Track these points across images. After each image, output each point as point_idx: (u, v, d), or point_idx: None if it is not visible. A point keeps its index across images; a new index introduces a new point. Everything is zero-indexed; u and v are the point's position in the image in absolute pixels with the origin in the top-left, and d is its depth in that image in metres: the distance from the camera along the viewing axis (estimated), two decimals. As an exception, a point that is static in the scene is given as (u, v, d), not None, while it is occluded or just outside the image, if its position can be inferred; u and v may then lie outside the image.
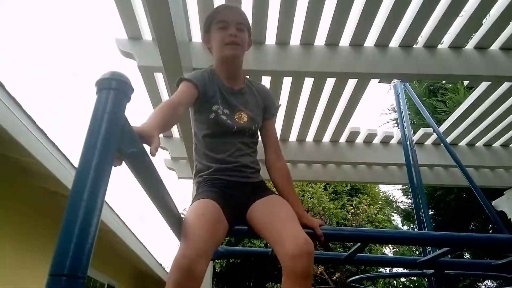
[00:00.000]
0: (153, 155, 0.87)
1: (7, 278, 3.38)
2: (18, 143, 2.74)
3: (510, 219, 3.95)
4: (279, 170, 1.49)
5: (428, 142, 3.62)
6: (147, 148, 0.88)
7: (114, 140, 0.67)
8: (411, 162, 2.89)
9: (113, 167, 0.66)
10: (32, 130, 2.89)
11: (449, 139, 3.51)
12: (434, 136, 3.52)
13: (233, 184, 1.37)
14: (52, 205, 4.03)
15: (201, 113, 1.41)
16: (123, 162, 0.77)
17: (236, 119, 1.42)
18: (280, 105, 1.70)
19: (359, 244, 1.58)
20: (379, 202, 11.15)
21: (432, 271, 2.15)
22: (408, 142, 2.95)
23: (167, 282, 1.06)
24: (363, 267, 8.79)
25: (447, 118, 3.48)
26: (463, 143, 3.58)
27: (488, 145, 3.58)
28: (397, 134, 3.57)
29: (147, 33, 2.30)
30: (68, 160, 3.50)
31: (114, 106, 0.68)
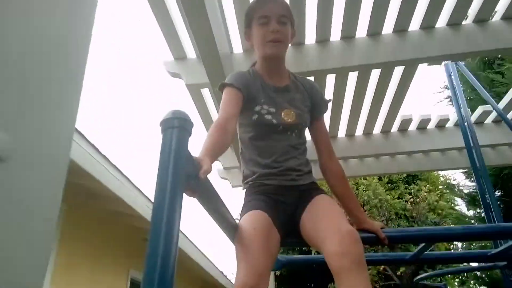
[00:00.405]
0: (201, 178, 0.85)
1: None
2: (85, 171, 2.95)
3: None
4: (334, 173, 1.43)
5: (488, 120, 3.42)
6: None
7: (182, 174, 0.73)
8: (471, 144, 2.75)
9: (186, 197, 0.72)
10: (96, 157, 3.10)
11: (510, 114, 3.29)
12: (494, 113, 3.31)
13: (280, 188, 1.32)
14: (119, 223, 4.28)
15: (243, 115, 1.36)
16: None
17: (283, 117, 1.35)
18: (330, 100, 1.57)
19: (423, 244, 1.54)
20: (440, 188, 10.63)
21: (505, 263, 2.03)
22: (466, 123, 2.81)
23: None
24: (430, 257, 8.40)
25: (507, 90, 3.26)
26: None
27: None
28: (453, 116, 3.40)
29: (190, 52, 2.39)
30: (129, 180, 3.70)
31: (178, 143, 0.74)
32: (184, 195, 0.76)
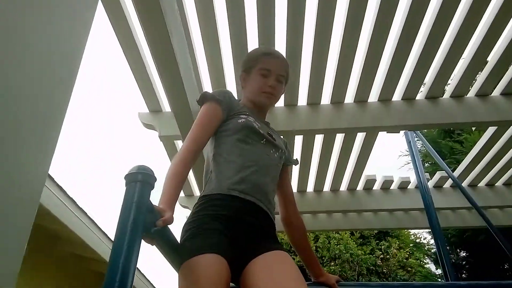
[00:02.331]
0: (159, 226, 0.88)
1: None
2: (50, 213, 2.93)
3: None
4: (299, 228, 1.44)
5: (447, 185, 3.62)
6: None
7: (141, 225, 0.79)
8: (429, 206, 2.90)
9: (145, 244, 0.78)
10: (62, 198, 3.09)
11: (467, 180, 3.51)
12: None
13: (249, 205, 1.20)
14: (81, 267, 4.15)
15: (227, 123, 1.33)
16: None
17: (266, 133, 1.36)
18: (297, 161, 1.60)
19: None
20: (410, 245, 10.75)
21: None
22: (424, 187, 2.98)
23: None
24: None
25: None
26: (482, 183, 3.56)
27: (508, 184, 3.54)
28: (414, 179, 3.59)
29: (166, 106, 2.51)
30: (95, 224, 3.66)
31: (140, 196, 0.81)
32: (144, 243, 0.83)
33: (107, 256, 3.84)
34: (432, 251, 6.66)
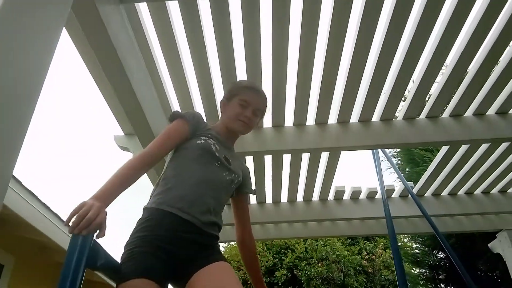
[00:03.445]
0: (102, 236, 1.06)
1: None
2: (33, 227, 3.11)
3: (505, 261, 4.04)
4: (252, 249, 1.62)
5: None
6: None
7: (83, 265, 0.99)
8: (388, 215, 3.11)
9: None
10: (46, 214, 3.27)
11: (430, 190, 3.73)
12: (416, 188, 3.75)
13: (185, 225, 1.27)
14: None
15: (187, 143, 1.43)
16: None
17: (223, 157, 1.45)
18: (255, 191, 1.75)
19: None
20: (395, 246, 11.01)
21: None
22: (384, 197, 3.20)
23: None
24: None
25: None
26: (445, 192, 3.78)
27: (469, 193, 3.77)
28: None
29: (140, 129, 2.69)
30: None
31: (82, 248, 1.01)
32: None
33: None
34: (411, 252, 6.89)
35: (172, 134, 1.41)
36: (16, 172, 3.15)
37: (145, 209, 1.34)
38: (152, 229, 1.25)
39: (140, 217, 1.32)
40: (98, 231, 1.05)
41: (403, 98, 2.58)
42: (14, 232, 3.36)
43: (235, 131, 1.55)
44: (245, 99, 1.53)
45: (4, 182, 0.93)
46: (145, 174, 1.58)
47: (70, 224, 1.02)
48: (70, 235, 0.98)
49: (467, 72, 2.37)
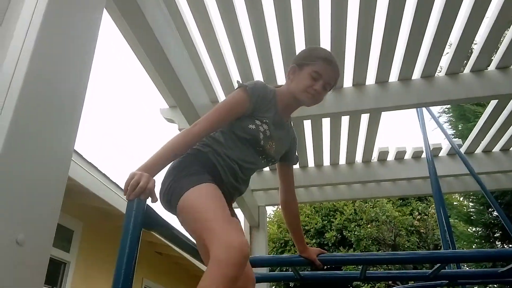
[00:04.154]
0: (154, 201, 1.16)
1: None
2: (99, 196, 3.44)
3: None
4: (294, 212, 1.70)
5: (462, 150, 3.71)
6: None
7: (140, 226, 1.14)
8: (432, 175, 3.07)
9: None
10: (110, 186, 3.59)
11: (481, 146, 3.59)
12: (465, 146, 3.62)
13: (224, 182, 1.37)
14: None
15: (244, 118, 1.43)
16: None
17: (268, 144, 1.46)
18: (297, 158, 1.75)
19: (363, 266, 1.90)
20: (448, 206, 10.70)
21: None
22: (428, 157, 3.14)
23: (215, 283, 0.95)
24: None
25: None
26: (496, 148, 3.62)
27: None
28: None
29: (183, 101, 2.83)
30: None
31: (137, 212, 1.15)
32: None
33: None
34: (466, 211, 6.71)
35: (234, 108, 1.40)
36: (77, 146, 3.47)
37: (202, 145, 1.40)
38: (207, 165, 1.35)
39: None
40: (150, 197, 1.18)
41: (444, 53, 2.47)
42: (80, 200, 3.74)
43: (300, 101, 1.49)
44: (318, 71, 1.44)
45: (67, 156, 1.08)
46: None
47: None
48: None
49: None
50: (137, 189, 1.14)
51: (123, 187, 1.20)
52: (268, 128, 1.45)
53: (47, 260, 0.87)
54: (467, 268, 5.61)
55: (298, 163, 1.76)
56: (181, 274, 6.95)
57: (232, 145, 1.40)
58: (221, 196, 1.23)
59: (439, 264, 1.83)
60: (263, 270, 3.12)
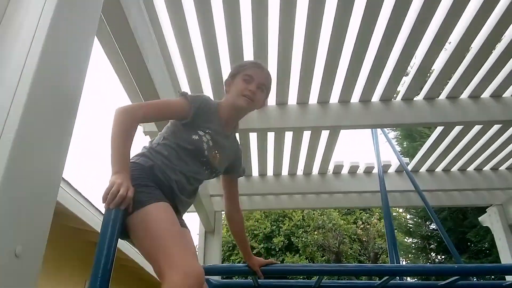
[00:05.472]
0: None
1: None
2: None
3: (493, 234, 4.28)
4: (239, 223, 1.75)
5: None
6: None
7: (117, 235, 1.15)
8: (383, 189, 3.29)
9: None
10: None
11: (426, 166, 3.90)
12: (412, 164, 3.91)
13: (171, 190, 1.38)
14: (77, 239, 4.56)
15: (186, 128, 1.45)
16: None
17: (212, 154, 1.48)
18: (244, 170, 1.80)
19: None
20: (390, 216, 11.38)
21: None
22: (380, 173, 3.37)
23: None
24: None
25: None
26: (439, 168, 3.95)
27: (462, 169, 3.94)
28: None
29: (149, 104, 2.81)
30: (88, 201, 4.04)
31: (114, 221, 1.16)
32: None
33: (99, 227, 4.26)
34: (405, 222, 7.19)
35: (172, 107, 1.44)
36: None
37: (151, 149, 1.43)
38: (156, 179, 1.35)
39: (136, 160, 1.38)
40: (129, 205, 1.18)
41: (401, 82, 2.68)
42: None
43: (239, 107, 1.53)
44: (249, 74, 1.53)
45: (59, 172, 1.06)
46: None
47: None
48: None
49: (466, 55, 2.46)
50: (117, 198, 1.15)
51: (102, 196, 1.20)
52: (211, 139, 1.47)
53: (38, 273, 0.87)
54: (412, 280, 6.00)
55: (257, 170, 1.81)
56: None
57: (175, 157, 1.40)
58: (175, 216, 1.25)
59: (387, 277, 1.99)
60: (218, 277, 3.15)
